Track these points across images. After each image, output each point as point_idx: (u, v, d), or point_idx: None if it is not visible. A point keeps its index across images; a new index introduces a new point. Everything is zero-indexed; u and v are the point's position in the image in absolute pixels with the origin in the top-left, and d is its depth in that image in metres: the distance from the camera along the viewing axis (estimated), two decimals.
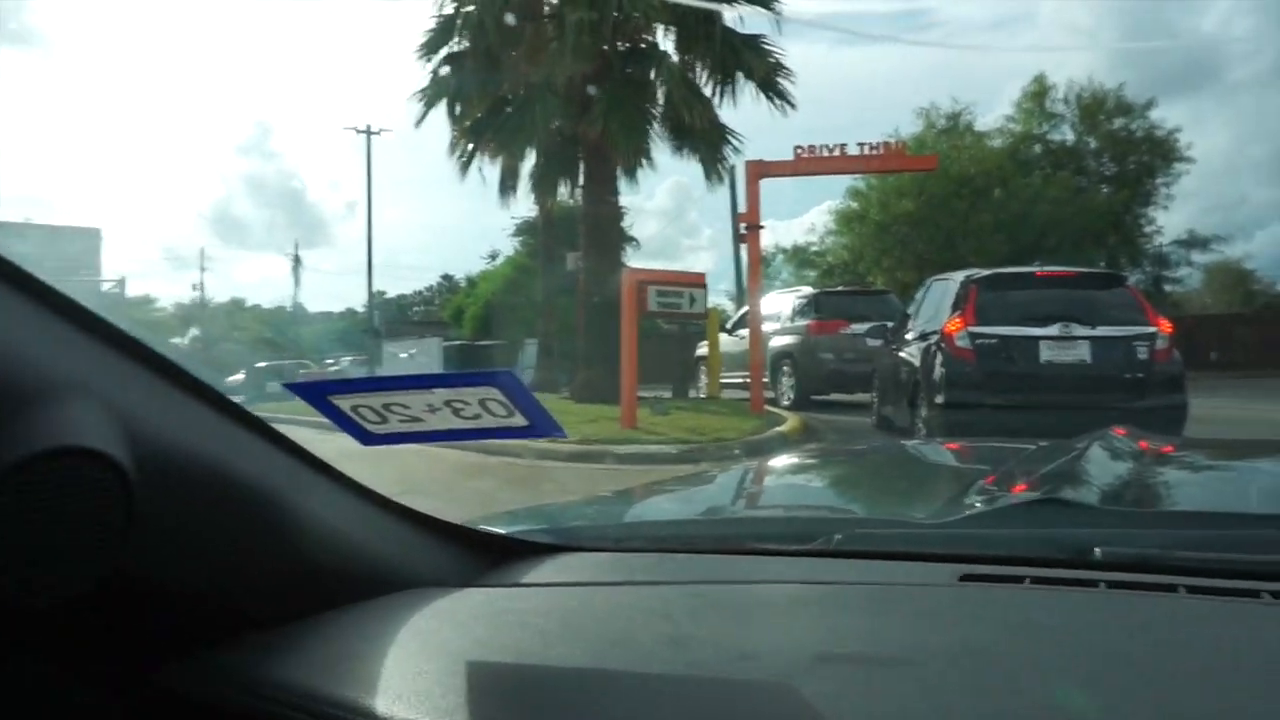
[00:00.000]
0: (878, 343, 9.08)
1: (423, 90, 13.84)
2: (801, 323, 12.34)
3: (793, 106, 12.95)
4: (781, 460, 2.19)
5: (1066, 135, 24.70)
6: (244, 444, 0.61)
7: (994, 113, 28.66)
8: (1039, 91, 24.59)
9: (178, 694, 0.61)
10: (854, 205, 24.08)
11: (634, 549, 0.90)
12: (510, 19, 12.49)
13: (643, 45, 13.37)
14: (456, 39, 13.27)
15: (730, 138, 13.47)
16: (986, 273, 7.56)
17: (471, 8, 12.69)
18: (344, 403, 0.64)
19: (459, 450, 9.44)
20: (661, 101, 13.41)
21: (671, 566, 0.82)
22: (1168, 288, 26.28)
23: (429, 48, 13.65)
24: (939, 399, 6.91)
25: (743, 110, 12.88)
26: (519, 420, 0.65)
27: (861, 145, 11.04)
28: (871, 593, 0.73)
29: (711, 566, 0.83)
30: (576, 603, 0.73)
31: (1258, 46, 53.80)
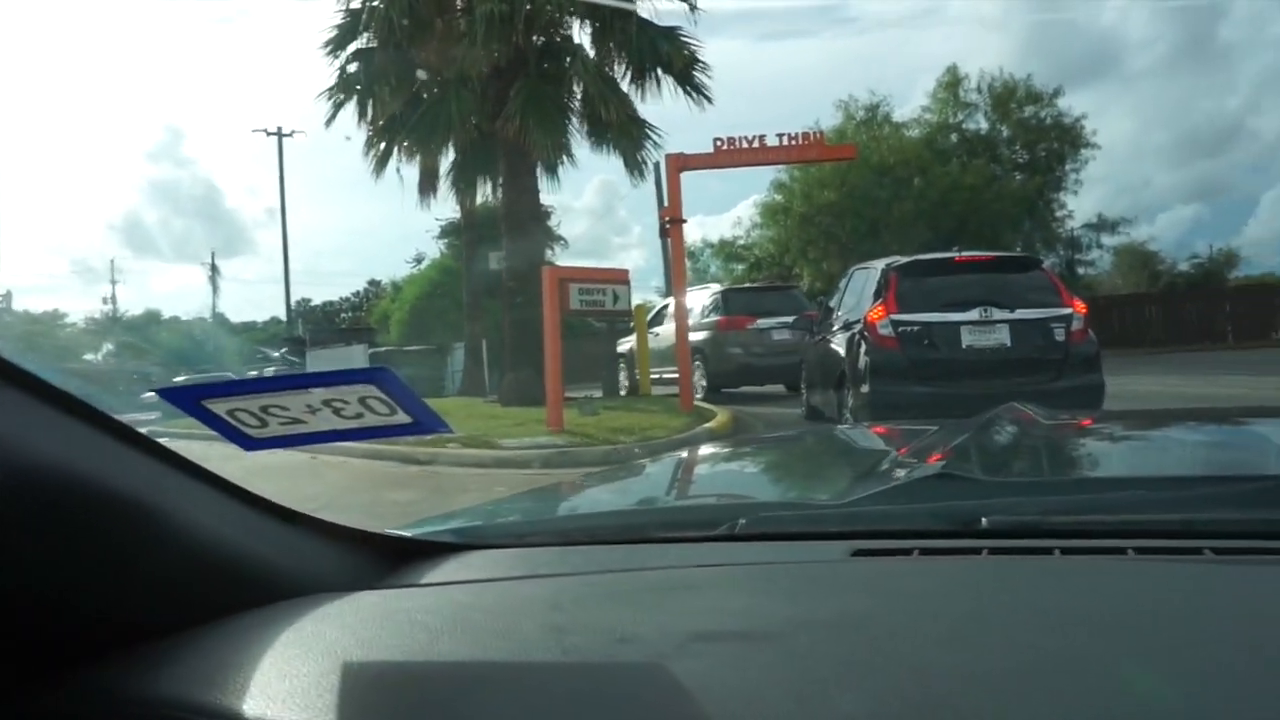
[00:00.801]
0: (785, 336, 9.20)
1: (331, 88, 13.33)
2: (711, 319, 12.68)
3: (709, 100, 12.86)
4: (694, 451, 2.19)
5: (980, 124, 25.33)
6: (115, 454, 0.59)
7: (911, 104, 29.43)
8: (952, 82, 25.14)
9: (45, 713, 0.59)
10: (778, 198, 24.27)
11: (537, 544, 0.90)
12: (419, 13, 12.08)
13: (558, 39, 13.11)
14: (364, 35, 12.79)
15: (650, 132, 13.33)
16: (906, 260, 7.57)
17: (378, 2, 12.24)
18: (219, 407, 0.63)
19: (380, 463, 9.12)
20: (579, 96, 13.19)
21: (574, 559, 0.82)
22: (1081, 270, 27.15)
23: (336, 44, 13.13)
24: (864, 388, 6.92)
25: (664, 106, 12.85)
26: (402, 418, 0.64)
27: (780, 136, 11.00)
28: (764, 572, 0.73)
29: (613, 557, 0.82)
30: (469, 598, 0.72)
31: (1154, 36, 56.39)
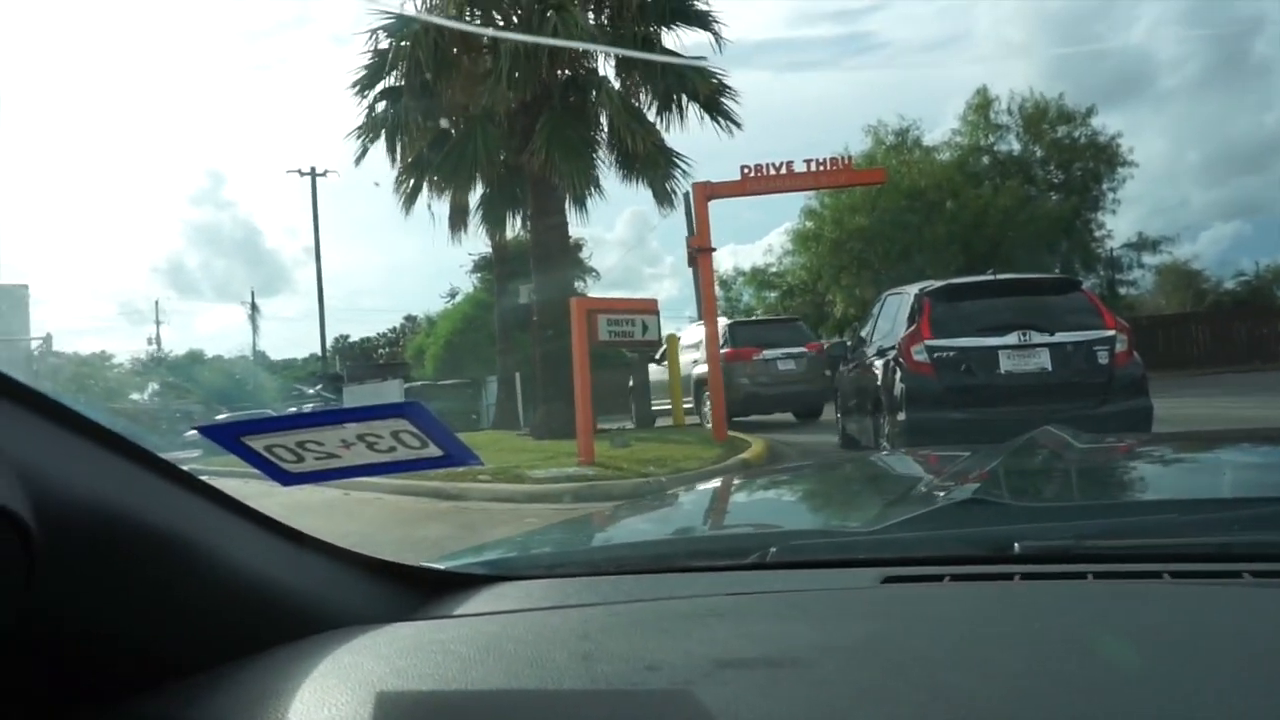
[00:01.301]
0: (790, 366, 9.19)
1: (360, 128, 13.51)
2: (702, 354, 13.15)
3: (738, 126, 12.83)
4: (726, 481, 2.17)
5: (1012, 145, 25.00)
6: (158, 491, 0.60)
7: (941, 128, 29.14)
8: (982, 104, 24.89)
9: None
10: (809, 225, 24.11)
11: (567, 574, 0.90)
12: (445, 51, 12.22)
13: (582, 72, 13.19)
14: (391, 73, 12.96)
15: (678, 161, 13.30)
16: (940, 284, 7.40)
17: (406, 42, 12.41)
18: (257, 443, 0.64)
19: (411, 498, 9.07)
20: (605, 128, 13.22)
21: (604, 589, 0.82)
22: (1122, 290, 26.61)
23: (364, 84, 13.32)
24: (900, 415, 6.76)
25: (694, 137, 12.95)
26: (433, 450, 0.66)
27: (808, 162, 10.91)
28: (793, 599, 0.73)
29: (642, 586, 0.82)
30: (500, 628, 0.72)
31: (1185, 55, 55.89)
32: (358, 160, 13.80)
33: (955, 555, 0.78)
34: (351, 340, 47.85)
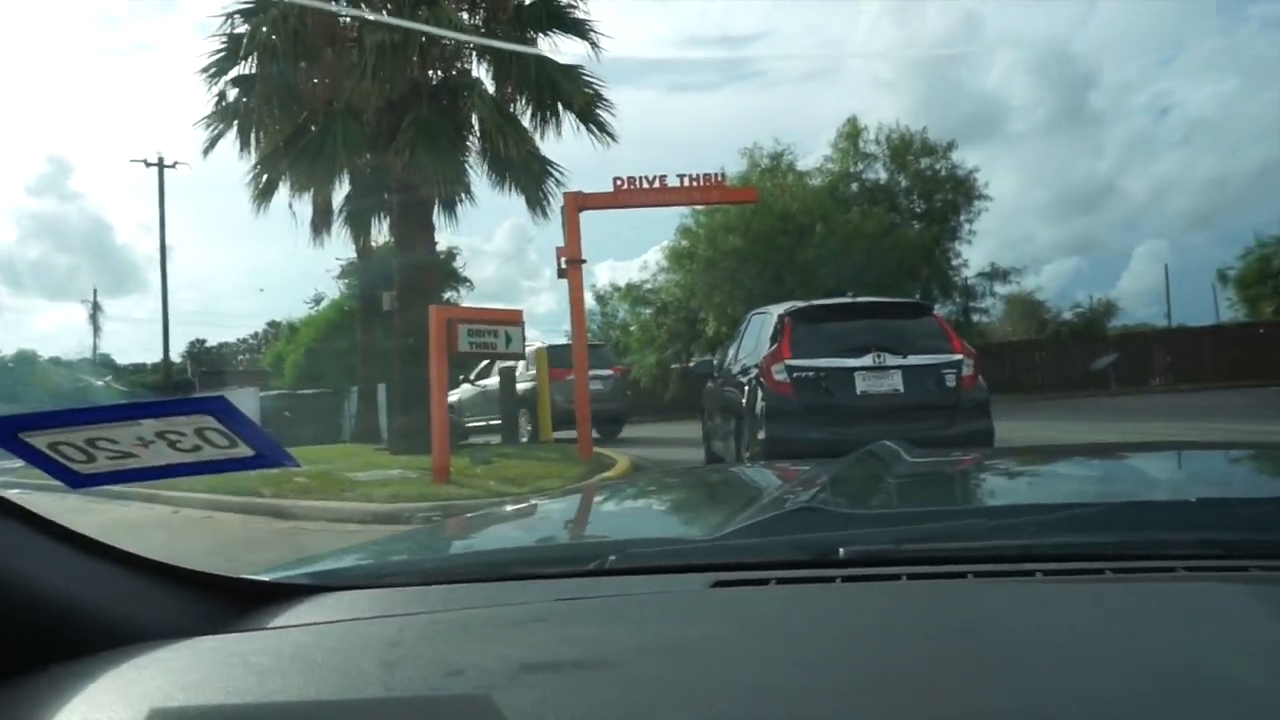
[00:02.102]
0: (597, 386, 10.75)
1: (209, 116, 12.55)
2: (532, 370, 14.11)
3: (613, 138, 12.64)
4: (579, 491, 2.17)
5: (879, 174, 25.90)
6: None
7: (814, 154, 30.32)
8: (853, 132, 25.71)
9: None
10: (685, 243, 24.23)
11: (397, 584, 0.87)
12: (305, 40, 11.50)
13: (454, 73, 12.70)
14: (246, 60, 12.09)
15: (552, 170, 12.97)
16: (802, 305, 7.55)
17: (265, 28, 11.60)
18: (40, 440, 0.60)
19: (248, 517, 8.35)
20: (477, 132, 12.77)
21: (433, 598, 0.81)
22: (975, 318, 27.97)
23: (216, 69, 12.38)
24: (760, 433, 6.85)
25: (569, 148, 12.67)
26: (243, 450, 0.63)
27: (682, 178, 10.82)
28: (618, 604, 0.74)
29: (473, 595, 0.82)
30: (312, 639, 0.69)
31: (1034, 102, 60.50)
32: (206, 151, 12.84)
33: (783, 560, 0.81)
34: (209, 346, 45.13)
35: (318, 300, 35.63)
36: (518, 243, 55.47)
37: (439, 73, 12.60)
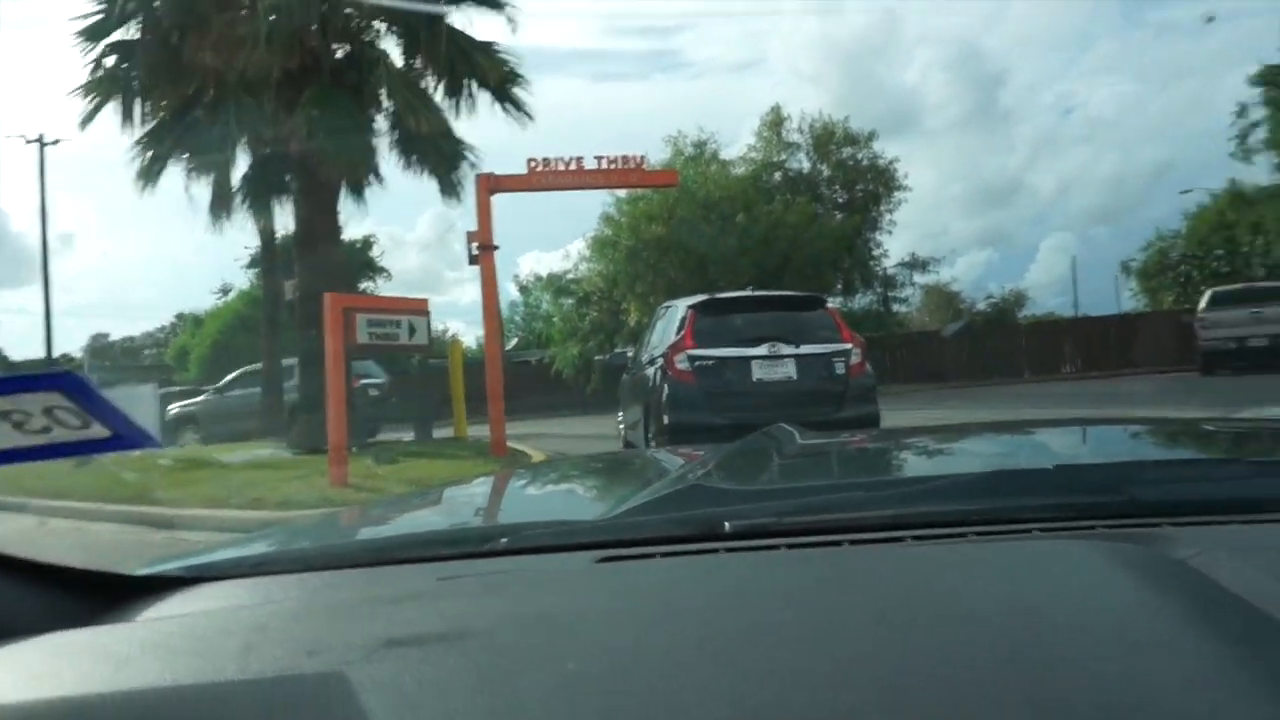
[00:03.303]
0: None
1: (87, 85, 11.45)
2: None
3: (529, 117, 12.07)
4: (478, 479, 2.23)
5: (802, 163, 25.86)
6: None
7: (739, 144, 30.22)
8: (776, 120, 25.58)
9: None
10: (608, 231, 23.74)
11: (276, 573, 0.85)
12: (194, 5, 10.57)
13: (359, 46, 11.92)
14: (128, 24, 11.06)
15: (466, 152, 12.33)
16: (705, 298, 7.94)
17: None
18: None
19: (121, 527, 7.61)
20: (386, 109, 12.03)
21: (313, 584, 0.80)
22: (896, 307, 28.31)
23: (92, 33, 11.28)
24: (665, 419, 7.18)
25: (485, 129, 12.05)
26: (98, 431, 0.60)
27: (600, 159, 10.34)
28: (497, 580, 0.75)
29: (354, 580, 0.81)
30: (177, 628, 0.67)
31: (949, 99, 62.47)
32: (83, 123, 11.75)
33: (670, 536, 0.82)
34: (112, 339, 42.71)
35: (225, 291, 34.01)
36: (440, 231, 54.20)
37: (342, 44, 11.79)
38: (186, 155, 11.92)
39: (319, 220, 11.78)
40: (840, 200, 25.80)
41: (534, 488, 1.58)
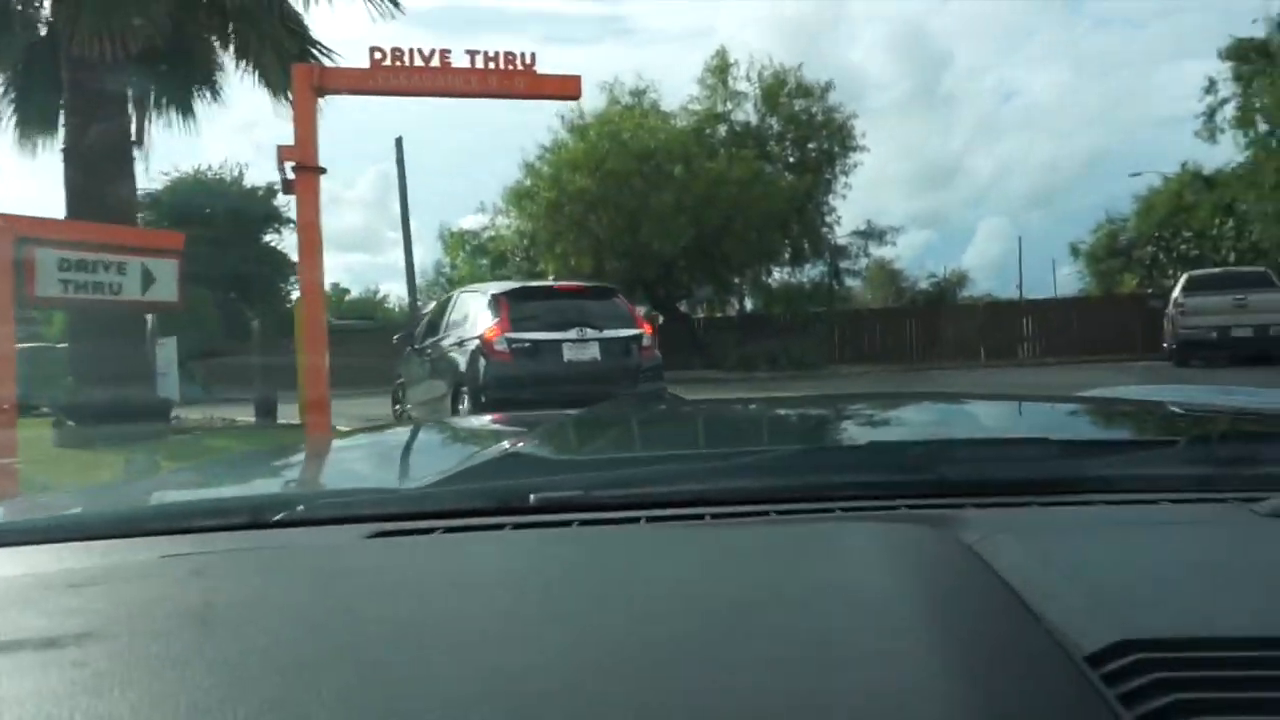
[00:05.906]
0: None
1: None
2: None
3: (396, 7, 9.07)
4: (288, 445, 2.18)
5: (750, 116, 23.15)
6: None
7: (682, 93, 27.51)
8: (722, 66, 22.79)
9: None
10: (527, 182, 20.82)
11: (35, 542, 0.81)
12: None
13: None
14: None
15: (312, 44, 9.31)
16: (515, 286, 9.09)
17: None
18: None
19: None
20: None
21: (38, 559, 0.76)
22: (848, 280, 26.09)
23: None
24: (484, 397, 7.81)
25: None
26: None
27: (472, 54, 7.46)
28: (255, 558, 0.72)
29: (106, 554, 0.76)
30: None
31: (893, 79, 61.72)
32: None
33: (462, 509, 0.78)
34: None
35: None
36: (381, 193, 50.61)
37: None
38: None
39: (100, 136, 8.66)
40: (791, 159, 23.15)
41: (341, 457, 1.48)
